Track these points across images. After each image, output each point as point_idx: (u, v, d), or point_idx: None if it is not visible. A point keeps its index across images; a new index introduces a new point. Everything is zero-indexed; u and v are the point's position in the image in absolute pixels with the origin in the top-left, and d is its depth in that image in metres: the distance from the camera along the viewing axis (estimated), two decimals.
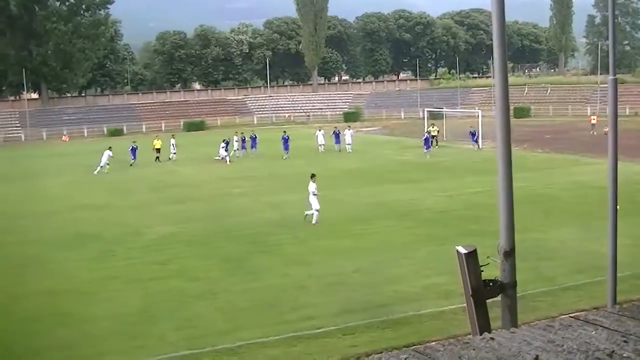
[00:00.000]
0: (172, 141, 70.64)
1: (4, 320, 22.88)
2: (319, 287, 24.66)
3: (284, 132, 71.46)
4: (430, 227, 33.98)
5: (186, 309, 23.05)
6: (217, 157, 65.71)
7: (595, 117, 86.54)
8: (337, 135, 71.03)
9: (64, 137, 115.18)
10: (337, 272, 26.27)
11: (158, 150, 69.12)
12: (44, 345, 20.54)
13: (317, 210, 35.61)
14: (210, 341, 20.01)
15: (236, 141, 71.32)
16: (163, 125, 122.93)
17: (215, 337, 20.36)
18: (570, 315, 7.09)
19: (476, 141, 67.32)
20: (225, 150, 65.65)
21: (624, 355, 5.80)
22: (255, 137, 71.96)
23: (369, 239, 32.02)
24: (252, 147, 70.88)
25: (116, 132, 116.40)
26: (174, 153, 69.60)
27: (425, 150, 62.35)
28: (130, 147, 66.81)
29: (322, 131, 73.23)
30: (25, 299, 24.96)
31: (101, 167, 61.84)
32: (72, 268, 29.25)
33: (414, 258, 28.01)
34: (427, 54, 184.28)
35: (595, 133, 79.46)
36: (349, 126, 79.30)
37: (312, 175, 37.03)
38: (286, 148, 67.51)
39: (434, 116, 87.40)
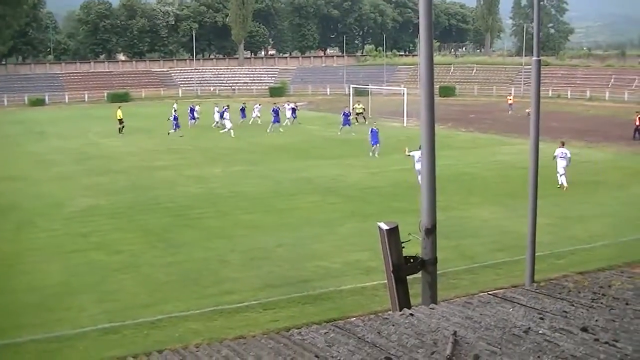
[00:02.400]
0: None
1: None
2: (242, 261, 24.67)
3: (243, 103, 74.56)
4: (353, 204, 34.18)
5: (107, 282, 22.84)
6: (221, 130, 63.85)
7: (511, 97, 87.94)
8: (276, 112, 70.23)
9: None
10: (260, 247, 26.29)
11: (121, 121, 66.30)
12: None
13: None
14: (131, 314, 19.86)
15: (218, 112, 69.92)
16: (86, 96, 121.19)
17: (136, 310, 20.22)
18: (489, 292, 7.22)
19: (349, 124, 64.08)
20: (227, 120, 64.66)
21: (540, 332, 5.94)
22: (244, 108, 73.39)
23: (292, 214, 32.11)
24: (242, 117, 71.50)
25: (38, 102, 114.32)
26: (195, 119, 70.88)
27: (342, 127, 62.09)
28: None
29: (260, 106, 73.53)
30: None
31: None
32: None
33: (336, 234, 28.17)
34: (354, 31, 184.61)
35: (511, 112, 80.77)
36: (289, 102, 78.57)
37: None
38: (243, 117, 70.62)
39: (359, 93, 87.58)
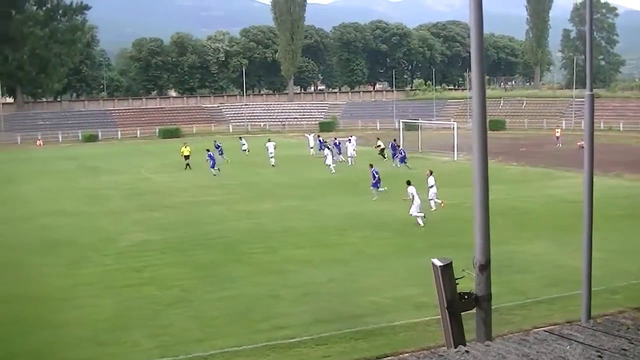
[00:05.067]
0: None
1: None
2: (293, 296, 24.64)
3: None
4: (403, 239, 34.04)
5: (159, 316, 22.96)
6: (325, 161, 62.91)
7: (559, 130, 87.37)
8: (337, 145, 70.99)
9: (38, 142, 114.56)
10: (311, 282, 26.26)
11: (187, 157, 66.55)
12: (11, 352, 20.36)
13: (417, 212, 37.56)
14: (183, 349, 19.94)
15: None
16: (138, 132, 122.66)
17: (188, 345, 20.29)
18: (545, 329, 7.14)
19: (403, 160, 62.94)
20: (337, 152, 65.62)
21: None
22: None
23: (343, 249, 32.05)
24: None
25: (91, 138, 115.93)
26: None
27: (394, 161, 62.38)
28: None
29: (312, 135, 73.89)
30: None
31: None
32: (44, 274, 29.10)
33: (387, 269, 28.04)
34: (403, 65, 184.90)
35: (560, 145, 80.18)
36: (351, 135, 78.57)
37: None
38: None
39: (409, 127, 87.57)
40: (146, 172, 65.28)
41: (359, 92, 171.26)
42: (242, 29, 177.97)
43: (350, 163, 64.12)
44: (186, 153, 66.97)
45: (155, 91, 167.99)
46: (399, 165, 61.46)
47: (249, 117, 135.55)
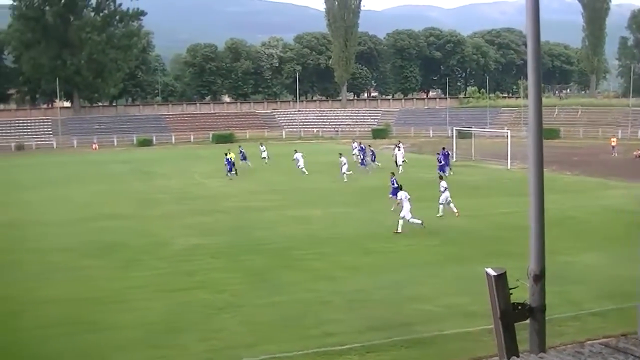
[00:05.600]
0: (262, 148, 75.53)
1: (27, 325, 22.96)
2: (343, 303, 24.57)
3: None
4: (454, 247, 33.78)
5: (210, 320, 23.05)
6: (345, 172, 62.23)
7: (615, 139, 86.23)
8: (362, 150, 71.11)
9: (94, 145, 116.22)
10: (361, 289, 26.17)
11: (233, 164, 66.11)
12: (64, 351, 20.62)
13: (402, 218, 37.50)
14: (233, 353, 19.98)
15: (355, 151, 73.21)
16: (192, 137, 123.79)
17: (238, 349, 20.33)
18: (600, 342, 7.02)
19: (443, 169, 60.47)
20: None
21: None
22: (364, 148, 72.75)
23: (393, 256, 31.93)
24: (372, 160, 70.76)
25: (145, 143, 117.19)
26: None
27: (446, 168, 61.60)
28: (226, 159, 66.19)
29: (356, 142, 73.90)
30: (48, 305, 25.06)
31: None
32: (97, 276, 29.39)
33: (437, 277, 27.85)
34: (457, 73, 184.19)
35: (616, 155, 79.15)
36: (399, 142, 78.26)
37: None
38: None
39: (462, 135, 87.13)
40: (199, 177, 65.75)
41: (412, 99, 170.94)
42: (296, 35, 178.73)
43: (400, 171, 63.33)
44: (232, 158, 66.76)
45: (209, 96, 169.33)
46: (451, 173, 60.95)
47: (302, 123, 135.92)
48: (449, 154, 64.35)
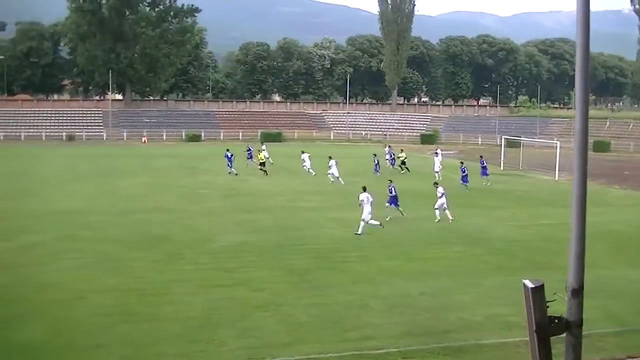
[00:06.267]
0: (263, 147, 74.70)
1: (69, 315, 23.26)
2: (383, 307, 24.51)
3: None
4: (498, 256, 33.53)
5: (248, 318, 23.13)
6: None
7: None
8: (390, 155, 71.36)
9: (143, 139, 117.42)
10: (402, 294, 26.09)
11: (262, 164, 66.96)
12: (105, 341, 20.85)
13: (363, 220, 37.74)
14: (269, 352, 20.03)
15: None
16: (241, 134, 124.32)
17: (275, 348, 20.38)
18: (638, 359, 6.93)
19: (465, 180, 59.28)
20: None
21: None
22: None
23: (435, 263, 31.75)
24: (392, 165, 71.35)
25: (194, 138, 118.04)
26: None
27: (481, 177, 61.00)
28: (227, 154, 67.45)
29: (387, 148, 73.72)
30: (93, 295, 25.40)
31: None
32: (141, 268, 29.73)
33: (479, 286, 27.66)
34: (508, 81, 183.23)
35: None
36: (437, 148, 77.80)
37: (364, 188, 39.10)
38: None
39: (511, 144, 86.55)
40: (245, 175, 65.94)
41: (462, 105, 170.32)
42: (349, 37, 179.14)
43: (437, 178, 62.03)
44: (262, 159, 67.38)
45: (259, 95, 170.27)
46: (488, 184, 60.07)
47: (351, 125, 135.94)
48: (485, 166, 62.61)
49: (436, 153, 69.35)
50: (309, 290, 26.58)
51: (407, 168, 69.53)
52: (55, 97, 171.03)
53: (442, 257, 33.09)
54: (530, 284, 9.27)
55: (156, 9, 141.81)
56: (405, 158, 70.93)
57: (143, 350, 20.35)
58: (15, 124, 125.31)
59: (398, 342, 20.99)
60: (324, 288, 26.85)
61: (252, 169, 67.98)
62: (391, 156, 72.48)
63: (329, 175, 61.14)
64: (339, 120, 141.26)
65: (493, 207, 49.32)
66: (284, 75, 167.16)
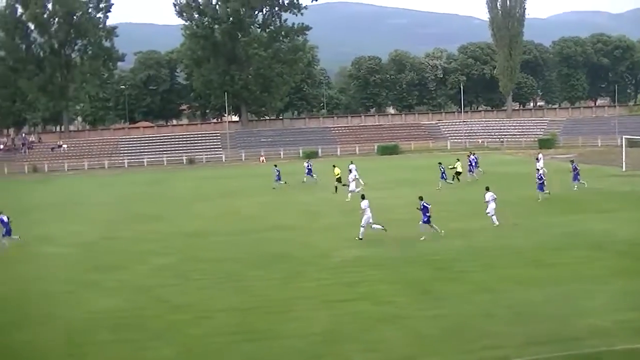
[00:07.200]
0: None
1: (197, 333, 23.82)
2: (506, 316, 24.24)
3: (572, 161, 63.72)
4: (624, 260, 32.66)
5: (372, 331, 23.24)
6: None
7: None
8: (473, 163, 69.63)
9: (261, 158, 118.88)
10: (526, 302, 25.74)
11: (339, 179, 66.23)
12: (231, 359, 21.28)
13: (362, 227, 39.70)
14: None
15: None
16: (357, 148, 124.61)
17: None
18: None
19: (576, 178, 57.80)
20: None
21: None
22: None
23: (559, 269, 31.17)
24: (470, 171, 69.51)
25: (311, 155, 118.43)
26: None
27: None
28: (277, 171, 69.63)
29: (473, 156, 71.87)
30: (217, 314, 26.00)
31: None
32: (262, 286, 30.21)
33: (605, 291, 27.03)
34: (626, 79, 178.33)
35: None
36: (539, 153, 75.28)
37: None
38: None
39: (633, 144, 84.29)
40: (362, 189, 65.90)
41: (579, 107, 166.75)
42: (460, 45, 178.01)
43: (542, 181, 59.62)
44: (337, 174, 66.74)
45: (373, 108, 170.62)
46: (575, 188, 57.70)
47: (467, 134, 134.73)
48: (577, 169, 59.61)
49: (537, 159, 67.18)
50: (431, 301, 26.52)
51: (458, 179, 66.79)
52: (174, 122, 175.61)
53: (564, 262, 32.45)
54: None
55: (267, 30, 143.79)
56: (459, 169, 67.90)
57: None
58: (138, 150, 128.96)
59: (524, 351, 20.75)
60: (446, 299, 26.74)
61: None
62: (474, 164, 70.21)
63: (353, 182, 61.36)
64: (454, 129, 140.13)
65: (615, 209, 48.05)
66: (397, 87, 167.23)
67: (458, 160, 69.84)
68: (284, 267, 33.93)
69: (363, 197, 41.20)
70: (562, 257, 33.66)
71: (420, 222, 39.81)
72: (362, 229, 39.67)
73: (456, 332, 22.81)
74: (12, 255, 40.78)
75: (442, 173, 63.49)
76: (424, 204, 39.91)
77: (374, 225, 39.76)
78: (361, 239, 39.31)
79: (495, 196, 43.06)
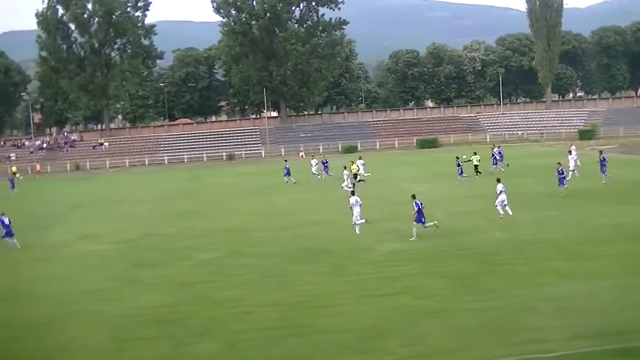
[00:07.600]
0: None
1: (241, 328, 24.03)
2: (549, 309, 24.11)
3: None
4: None
5: (414, 325, 23.26)
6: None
7: None
8: (497, 155, 69.85)
9: (300, 153, 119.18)
10: (569, 295, 25.56)
11: (355, 175, 66.82)
12: (276, 354, 21.58)
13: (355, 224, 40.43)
14: (436, 359, 20.12)
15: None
16: (396, 142, 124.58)
17: (441, 355, 20.46)
18: None
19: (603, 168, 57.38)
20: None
21: None
22: None
23: (602, 261, 30.86)
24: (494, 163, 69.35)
25: (350, 149, 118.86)
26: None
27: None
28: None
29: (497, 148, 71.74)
30: (261, 309, 26.19)
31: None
32: (304, 281, 30.36)
33: None
34: None
35: None
36: (571, 145, 73.29)
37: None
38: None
39: None
40: (404, 183, 65.94)
41: (620, 97, 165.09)
42: (498, 37, 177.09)
43: (569, 176, 57.58)
44: (354, 170, 67.51)
45: (412, 102, 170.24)
46: (603, 181, 56.61)
47: (506, 126, 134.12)
48: (604, 159, 57.89)
49: (570, 151, 65.90)
50: (473, 295, 26.47)
51: (479, 172, 66.20)
52: (213, 118, 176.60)
53: (607, 255, 32.10)
54: None
55: (305, 25, 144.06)
56: (479, 161, 67.20)
57: None
58: (177, 147, 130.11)
59: (569, 344, 20.57)
60: (488, 292, 26.69)
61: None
62: (498, 156, 69.66)
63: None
64: (493, 121, 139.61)
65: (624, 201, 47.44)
66: (435, 80, 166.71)
67: (475, 153, 69.12)
68: (325, 261, 34.07)
69: (353, 194, 42.24)
70: (604, 249, 33.28)
71: (414, 222, 38.16)
72: (356, 225, 40.77)
73: (498, 325, 22.74)
74: (61, 254, 41.45)
75: (459, 167, 63.26)
76: (417, 202, 38.32)
77: (358, 221, 40.63)
78: (359, 234, 40.35)
79: (504, 189, 43.18)
